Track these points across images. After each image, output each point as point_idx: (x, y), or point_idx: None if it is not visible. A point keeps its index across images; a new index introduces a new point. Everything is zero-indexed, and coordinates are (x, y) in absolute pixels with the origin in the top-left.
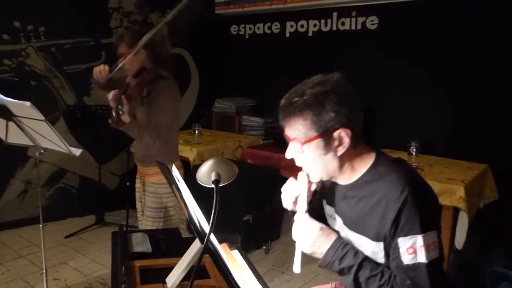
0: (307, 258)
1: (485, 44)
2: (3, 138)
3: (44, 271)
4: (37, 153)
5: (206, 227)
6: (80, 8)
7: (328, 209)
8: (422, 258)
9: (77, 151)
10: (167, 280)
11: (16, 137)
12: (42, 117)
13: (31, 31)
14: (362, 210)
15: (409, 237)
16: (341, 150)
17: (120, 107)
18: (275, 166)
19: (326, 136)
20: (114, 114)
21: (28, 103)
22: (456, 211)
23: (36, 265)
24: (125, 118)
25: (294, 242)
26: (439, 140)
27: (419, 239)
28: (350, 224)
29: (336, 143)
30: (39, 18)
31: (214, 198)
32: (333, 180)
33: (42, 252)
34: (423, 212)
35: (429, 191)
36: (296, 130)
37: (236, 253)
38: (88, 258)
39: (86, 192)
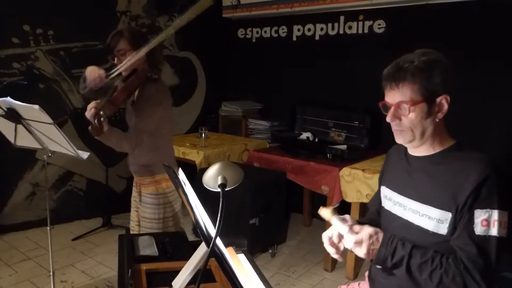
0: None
1: (492, 47)
2: (12, 141)
3: (51, 273)
4: (45, 156)
5: (212, 231)
6: (88, 12)
7: (386, 192)
8: (494, 231)
9: (84, 154)
10: (173, 283)
11: (24, 140)
12: (51, 120)
13: (40, 35)
14: (438, 180)
15: (485, 210)
16: (440, 116)
17: (102, 112)
18: (281, 169)
19: (430, 100)
20: (95, 121)
21: (36, 107)
22: None
23: (43, 267)
24: (105, 126)
25: (300, 245)
26: None
27: (494, 214)
28: (418, 196)
29: (436, 108)
30: (48, 22)
31: (220, 202)
32: (417, 149)
33: (49, 254)
34: (502, 191)
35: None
36: (404, 94)
37: (242, 257)
38: (95, 261)
39: (93, 195)
